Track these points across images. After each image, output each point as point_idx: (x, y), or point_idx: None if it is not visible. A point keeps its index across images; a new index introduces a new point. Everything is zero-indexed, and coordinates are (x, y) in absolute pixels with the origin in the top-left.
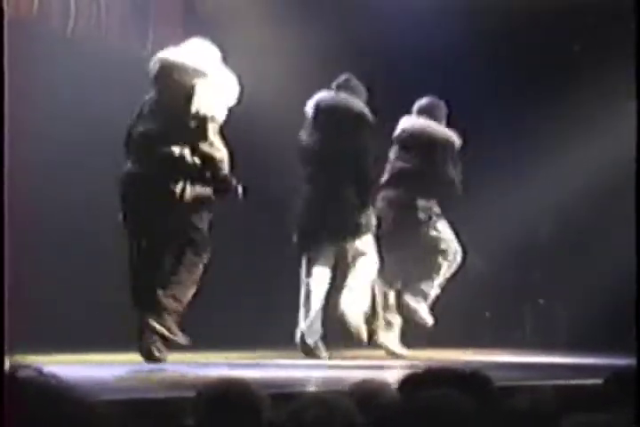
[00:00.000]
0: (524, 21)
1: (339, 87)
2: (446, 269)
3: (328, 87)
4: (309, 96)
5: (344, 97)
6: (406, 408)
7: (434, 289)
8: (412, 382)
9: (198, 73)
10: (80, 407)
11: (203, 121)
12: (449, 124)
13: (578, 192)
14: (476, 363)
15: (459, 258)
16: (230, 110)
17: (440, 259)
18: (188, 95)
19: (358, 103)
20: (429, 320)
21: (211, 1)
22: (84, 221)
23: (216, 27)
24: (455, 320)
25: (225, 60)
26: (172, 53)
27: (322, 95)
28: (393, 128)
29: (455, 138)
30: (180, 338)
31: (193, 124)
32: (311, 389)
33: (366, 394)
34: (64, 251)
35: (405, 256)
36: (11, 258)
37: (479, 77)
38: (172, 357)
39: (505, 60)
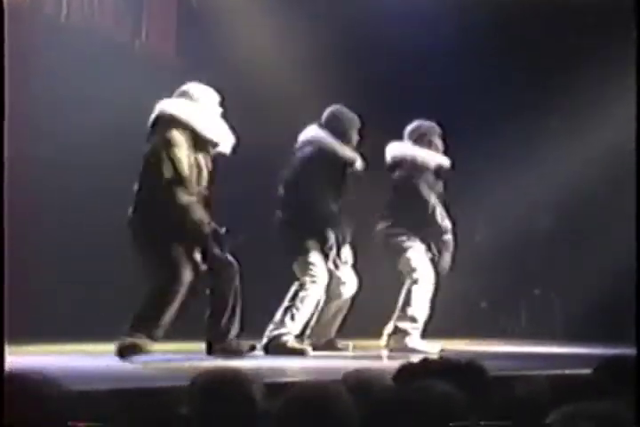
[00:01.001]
0: (524, 21)
1: (322, 124)
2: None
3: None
4: (302, 94)
5: (320, 138)
6: (401, 398)
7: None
8: (407, 372)
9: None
10: (59, 398)
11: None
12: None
13: (576, 183)
14: (472, 353)
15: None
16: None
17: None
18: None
19: (333, 146)
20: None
21: None
22: (80, 216)
23: (209, 16)
24: (451, 310)
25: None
26: (170, 105)
27: (305, 132)
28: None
29: (445, 162)
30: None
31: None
32: (306, 378)
33: (360, 384)
34: (61, 245)
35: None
36: (10, 251)
37: (480, 73)
38: (167, 346)
39: (505, 57)
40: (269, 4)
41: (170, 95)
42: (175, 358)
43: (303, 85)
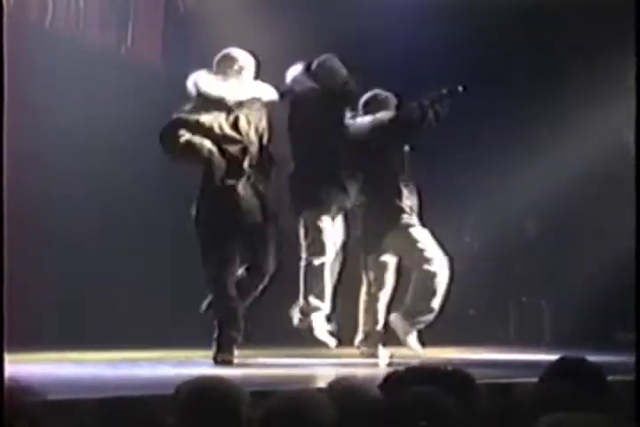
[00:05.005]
0: (524, 19)
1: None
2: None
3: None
4: None
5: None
6: (387, 406)
7: (428, 315)
8: (394, 380)
9: None
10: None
11: None
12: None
13: (565, 191)
14: (460, 361)
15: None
16: None
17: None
18: None
19: None
20: (419, 349)
21: None
22: (77, 223)
23: (195, 23)
24: (438, 317)
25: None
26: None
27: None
28: None
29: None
30: None
31: None
32: (291, 387)
33: (345, 392)
34: (62, 252)
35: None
36: (9, 257)
37: (470, 74)
38: (153, 354)
39: (498, 58)
40: (257, 11)
41: (155, 101)
42: (160, 366)
43: None
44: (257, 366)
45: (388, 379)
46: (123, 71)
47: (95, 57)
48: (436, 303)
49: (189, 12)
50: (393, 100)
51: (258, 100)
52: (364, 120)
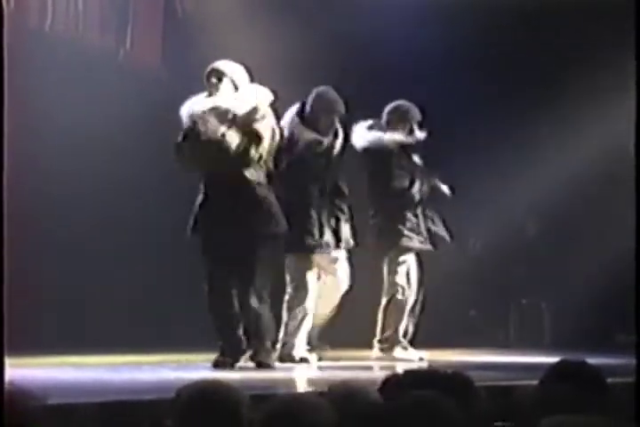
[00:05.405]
0: (524, 19)
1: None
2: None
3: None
4: (291, 99)
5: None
6: (387, 409)
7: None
8: (394, 384)
9: None
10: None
11: None
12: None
13: (563, 190)
14: (459, 363)
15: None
16: None
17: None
18: None
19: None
20: (413, 357)
21: (190, 0)
22: (77, 222)
23: (194, 26)
24: (439, 319)
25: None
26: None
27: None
28: None
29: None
30: None
31: None
32: (292, 390)
33: (345, 395)
34: (62, 252)
35: None
36: (9, 257)
37: (471, 76)
38: (153, 358)
39: (498, 58)
40: (256, 13)
41: (155, 103)
42: (160, 369)
43: (291, 92)
44: (257, 369)
45: (388, 382)
46: (122, 74)
47: (94, 60)
48: (401, 329)
49: (188, 15)
50: (415, 113)
51: (229, 110)
52: (368, 137)
